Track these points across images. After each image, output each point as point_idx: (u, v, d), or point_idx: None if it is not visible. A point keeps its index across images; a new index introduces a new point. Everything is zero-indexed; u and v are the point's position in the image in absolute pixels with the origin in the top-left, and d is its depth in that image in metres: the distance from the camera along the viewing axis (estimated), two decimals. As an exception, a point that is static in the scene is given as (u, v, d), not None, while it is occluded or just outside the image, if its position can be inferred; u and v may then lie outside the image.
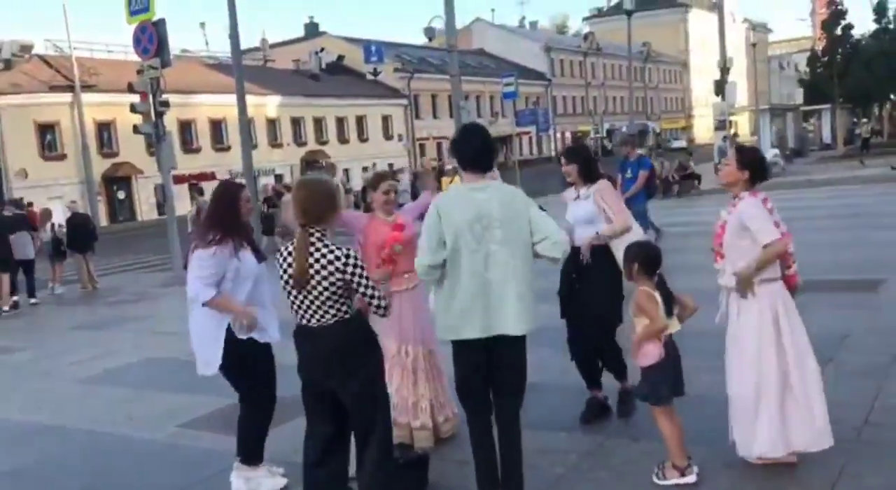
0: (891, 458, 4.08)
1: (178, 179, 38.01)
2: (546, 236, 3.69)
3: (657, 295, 3.90)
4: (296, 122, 47.90)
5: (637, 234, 4.91)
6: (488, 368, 3.75)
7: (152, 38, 14.33)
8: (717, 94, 32.62)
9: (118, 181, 37.84)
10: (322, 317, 3.48)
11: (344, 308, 3.49)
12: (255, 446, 4.43)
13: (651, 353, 3.89)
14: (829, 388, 4.13)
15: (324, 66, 53.68)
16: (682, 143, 64.46)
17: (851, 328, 6.51)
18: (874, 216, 14.10)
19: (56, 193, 32.23)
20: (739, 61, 41.01)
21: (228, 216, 4.28)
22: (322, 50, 54.20)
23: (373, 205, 4.91)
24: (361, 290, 3.48)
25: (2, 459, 5.48)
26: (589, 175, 4.94)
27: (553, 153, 64.92)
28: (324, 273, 3.41)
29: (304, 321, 3.53)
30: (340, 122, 50.86)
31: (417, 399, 4.73)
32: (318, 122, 49.37)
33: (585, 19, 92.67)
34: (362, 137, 52.14)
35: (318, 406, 3.63)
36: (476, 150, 3.82)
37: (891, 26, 50.59)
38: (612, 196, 4.95)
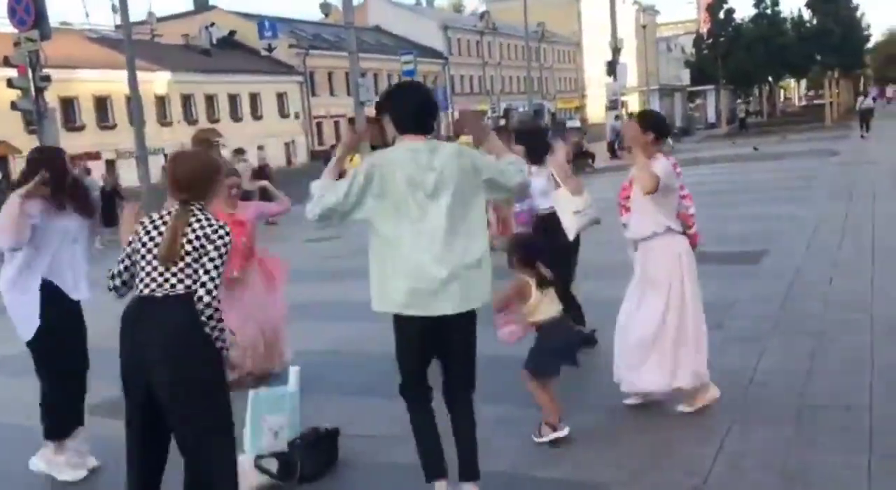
0: (773, 412, 4.39)
1: (62, 159, 36.23)
2: (503, 166, 3.41)
3: (532, 284, 4.09)
4: (186, 100, 46.25)
5: (576, 204, 5.47)
6: (435, 352, 3.46)
7: (29, 9, 13.50)
8: (608, 74, 33.58)
9: (-7, 161, 35.66)
10: (174, 286, 3.02)
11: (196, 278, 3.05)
12: (59, 421, 4.32)
13: (507, 337, 4.17)
14: (717, 352, 4.45)
15: (214, 41, 51.92)
16: (576, 123, 65.96)
17: (738, 296, 6.92)
18: (757, 191, 14.98)
19: (-76, 174, 30.06)
20: (630, 43, 42.18)
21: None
22: (212, 24, 52.38)
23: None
24: (206, 261, 3.02)
25: None
26: (535, 157, 5.50)
27: (451, 133, 65.26)
28: (199, 237, 3.05)
29: (148, 291, 3.03)
30: (233, 99, 49.40)
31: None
32: (210, 100, 47.82)
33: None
34: (256, 115, 50.83)
35: (139, 422, 3.10)
36: (417, 107, 3.38)
37: (768, 11, 53.21)
38: (557, 165, 5.67)
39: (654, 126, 4.46)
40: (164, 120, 44.32)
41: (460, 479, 3.48)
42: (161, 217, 3.15)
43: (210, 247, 3.05)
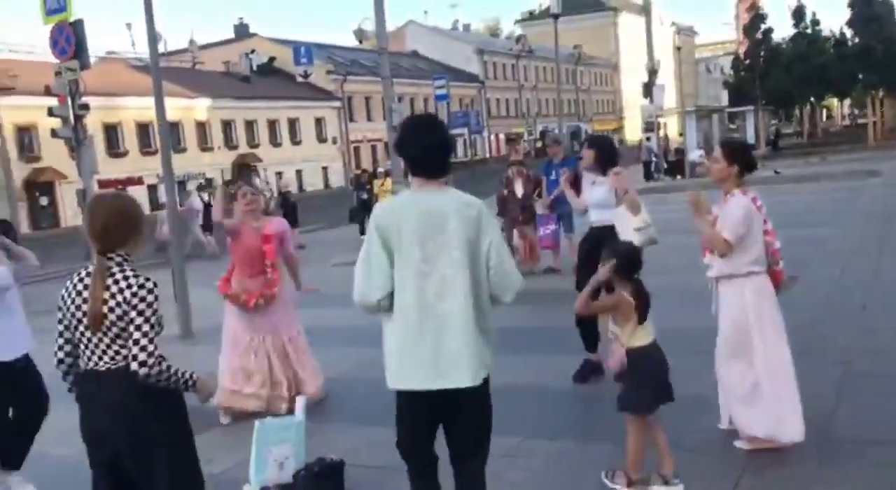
0: (794, 446, 4.20)
1: (104, 184, 36.97)
2: (506, 274, 3.05)
3: (633, 305, 3.73)
4: (227, 125, 47.07)
5: (637, 221, 5.26)
6: (442, 422, 3.14)
7: (70, 39, 13.83)
8: (645, 96, 33.36)
9: (40, 186, 36.56)
10: (113, 358, 2.84)
11: None
12: (17, 453, 4.41)
13: (612, 364, 3.84)
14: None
15: (255, 67, 52.92)
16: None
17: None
18: (791, 214, 14.65)
19: (-27, 200, 30.97)
20: (667, 64, 41.97)
21: None
22: (252, 51, 53.43)
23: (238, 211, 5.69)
24: (132, 330, 2.80)
25: None
26: (606, 163, 5.45)
27: (487, 155, 65.33)
28: (118, 302, 2.81)
29: (92, 364, 2.87)
30: (272, 124, 50.18)
31: (252, 372, 5.52)
32: (250, 125, 48.63)
33: (517, 22, 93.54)
34: (295, 140, 51.55)
35: (103, 480, 2.95)
36: (427, 148, 3.07)
37: (808, 31, 52.53)
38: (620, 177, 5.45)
39: (741, 158, 4.19)
40: (204, 145, 45.14)
41: None
42: (80, 276, 2.93)
43: (133, 313, 2.81)
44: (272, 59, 54.07)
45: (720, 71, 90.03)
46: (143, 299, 2.83)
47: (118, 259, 2.89)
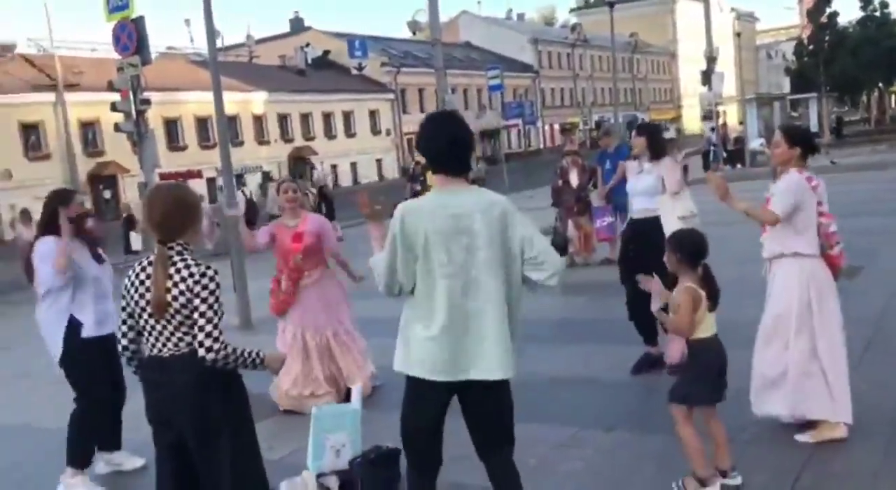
0: (861, 440, 4.10)
1: (165, 177, 37.81)
2: (544, 261, 2.99)
3: (703, 293, 3.62)
4: (283, 118, 47.70)
5: (682, 210, 5.37)
6: (467, 417, 3.08)
7: (132, 36, 14.21)
8: (703, 83, 32.68)
9: (104, 180, 37.60)
10: (177, 344, 2.92)
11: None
12: (81, 450, 4.54)
13: (672, 354, 3.75)
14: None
15: (310, 61, 53.46)
16: (671, 134, 64.52)
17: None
18: (857, 204, 14.19)
19: (42, 194, 31.86)
20: (727, 51, 40.97)
21: (53, 225, 4.49)
22: (308, 45, 53.97)
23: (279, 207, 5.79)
24: (196, 317, 2.88)
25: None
26: (656, 150, 5.51)
27: (541, 146, 64.91)
28: (181, 291, 2.89)
29: (156, 350, 2.96)
30: (327, 117, 50.69)
31: (310, 370, 5.58)
32: (305, 118, 49.19)
33: (572, 11, 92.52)
34: (349, 132, 51.99)
35: (166, 462, 3.04)
36: (443, 147, 3.00)
37: (877, 13, 50.78)
38: (669, 167, 5.48)
39: (803, 140, 4.24)
40: (261, 138, 45.83)
41: None
42: (142, 266, 3.01)
43: (197, 301, 2.88)
44: (327, 52, 54.57)
45: (782, 57, 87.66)
46: (205, 287, 2.89)
47: (178, 248, 2.96)
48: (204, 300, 2.89)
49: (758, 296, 4.44)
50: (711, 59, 31.66)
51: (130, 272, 3.04)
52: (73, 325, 4.51)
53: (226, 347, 2.92)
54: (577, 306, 8.07)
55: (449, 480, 3.81)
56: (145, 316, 2.95)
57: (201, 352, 2.88)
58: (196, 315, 2.88)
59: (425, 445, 3.09)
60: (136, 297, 2.99)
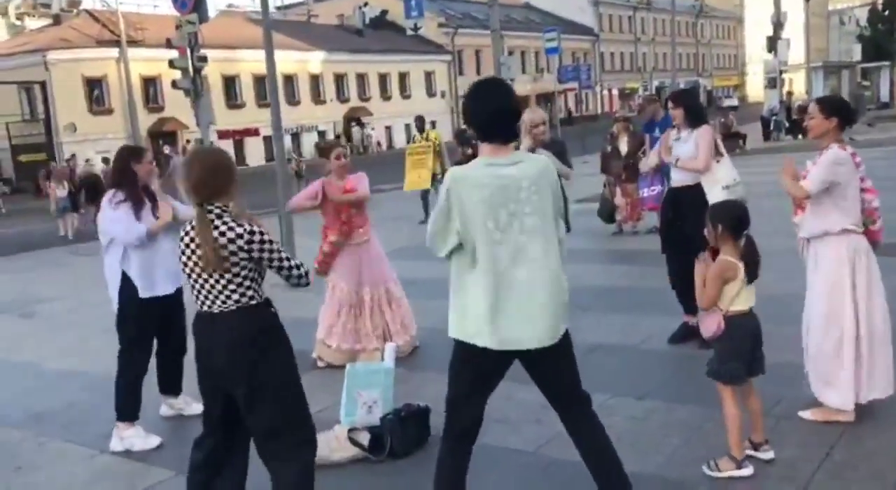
0: (894, 421, 4.04)
1: (222, 135, 38.52)
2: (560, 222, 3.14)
3: (740, 266, 3.57)
4: (339, 79, 47.83)
5: (725, 178, 5.37)
6: (532, 379, 3.15)
7: (190, -7, 14.38)
8: (769, 50, 31.70)
9: (164, 136, 38.36)
10: (225, 302, 3.04)
11: (250, 292, 3.05)
12: (124, 403, 4.65)
13: (708, 326, 3.65)
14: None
15: (367, 21, 53.33)
16: (733, 102, 62.75)
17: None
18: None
19: (103, 147, 32.84)
20: (796, 16, 39.37)
21: (125, 179, 4.60)
22: (366, 4, 53.80)
23: (328, 168, 5.87)
24: (276, 264, 3.10)
25: (31, 402, 5.72)
26: (694, 119, 5.49)
27: (599, 111, 63.86)
28: (234, 251, 3.01)
29: (206, 307, 3.09)
30: (383, 78, 50.63)
31: (359, 326, 5.78)
32: (361, 79, 49.24)
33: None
34: (405, 94, 51.88)
35: (210, 405, 3.23)
36: (490, 116, 3.03)
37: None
38: (705, 139, 5.41)
39: (839, 111, 4.09)
40: (318, 98, 46.11)
41: None
42: (187, 229, 3.14)
43: (256, 254, 3.04)
44: (384, 12, 54.30)
45: (855, 23, 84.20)
46: (261, 242, 3.05)
47: (217, 211, 3.06)
48: (270, 251, 3.08)
49: (799, 271, 4.34)
50: (778, 25, 30.64)
51: (182, 233, 3.18)
52: (129, 283, 4.64)
53: (306, 271, 3.22)
54: (621, 274, 8.01)
55: (488, 444, 3.88)
56: (194, 274, 3.08)
57: (302, 283, 3.20)
58: (275, 264, 3.11)
59: (470, 412, 3.11)
60: (185, 257, 3.12)
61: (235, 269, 3.01)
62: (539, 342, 2.98)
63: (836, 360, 4.04)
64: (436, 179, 13.05)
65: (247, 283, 3.04)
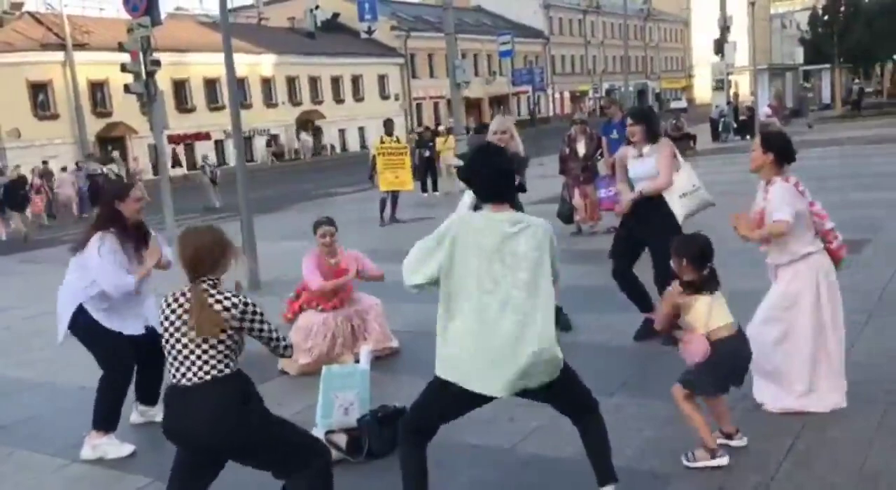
0: (856, 410, 4.20)
1: (173, 139, 37.94)
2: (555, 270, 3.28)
3: (697, 301, 3.71)
4: (291, 82, 47.47)
5: (683, 186, 5.57)
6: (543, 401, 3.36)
7: (142, -4, 14.15)
8: (716, 53, 32.38)
9: (113, 141, 37.59)
10: (197, 373, 3.05)
11: (226, 361, 3.08)
12: (105, 416, 4.60)
13: (693, 352, 3.72)
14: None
15: (319, 24, 53.02)
16: (682, 104, 63.93)
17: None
18: (867, 176, 14.18)
19: (50, 153, 32.09)
20: (741, 20, 40.35)
21: (113, 225, 4.54)
22: (317, 7, 53.48)
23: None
24: (265, 336, 3.19)
25: (-7, 414, 5.60)
26: (652, 136, 5.64)
27: (551, 113, 64.49)
28: (227, 319, 3.07)
29: (180, 376, 3.08)
30: (336, 81, 50.41)
31: (333, 346, 5.79)
32: (314, 82, 48.94)
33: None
34: (358, 97, 51.73)
35: (188, 469, 3.23)
36: (493, 179, 3.27)
37: (894, -16, 49.89)
38: (665, 156, 5.59)
39: (775, 147, 4.21)
40: (269, 101, 45.70)
41: (602, 484, 3.35)
42: (175, 297, 3.16)
43: (248, 325, 3.12)
44: (336, 14, 54.08)
45: (796, 27, 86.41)
46: (252, 313, 3.13)
47: (209, 282, 3.14)
48: (259, 322, 3.16)
49: (765, 266, 4.49)
50: (725, 29, 31.33)
51: (163, 304, 3.18)
52: (85, 314, 4.56)
53: (288, 344, 3.34)
54: (582, 274, 8.12)
55: (465, 441, 3.95)
56: (173, 340, 3.10)
57: (287, 354, 3.37)
58: (264, 336, 3.20)
59: (433, 423, 3.30)
60: (167, 322, 3.13)
61: (222, 337, 3.07)
62: (512, 390, 3.12)
63: (787, 368, 4.23)
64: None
65: (226, 352, 3.09)
